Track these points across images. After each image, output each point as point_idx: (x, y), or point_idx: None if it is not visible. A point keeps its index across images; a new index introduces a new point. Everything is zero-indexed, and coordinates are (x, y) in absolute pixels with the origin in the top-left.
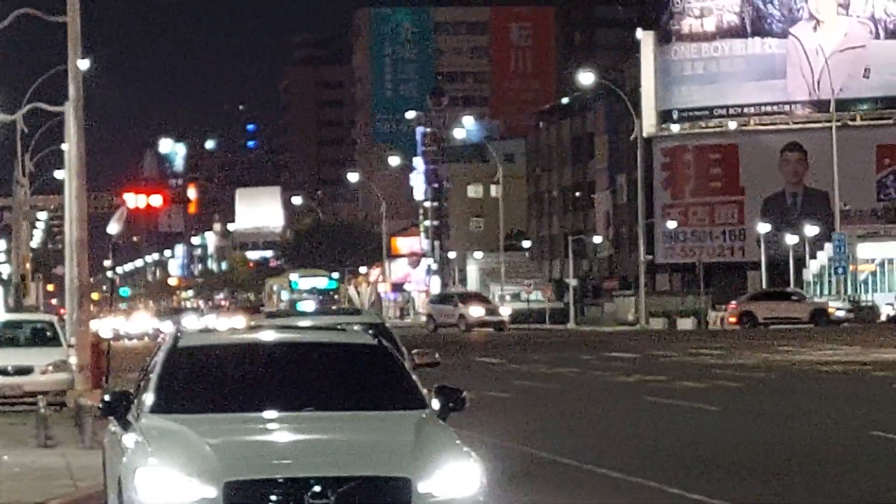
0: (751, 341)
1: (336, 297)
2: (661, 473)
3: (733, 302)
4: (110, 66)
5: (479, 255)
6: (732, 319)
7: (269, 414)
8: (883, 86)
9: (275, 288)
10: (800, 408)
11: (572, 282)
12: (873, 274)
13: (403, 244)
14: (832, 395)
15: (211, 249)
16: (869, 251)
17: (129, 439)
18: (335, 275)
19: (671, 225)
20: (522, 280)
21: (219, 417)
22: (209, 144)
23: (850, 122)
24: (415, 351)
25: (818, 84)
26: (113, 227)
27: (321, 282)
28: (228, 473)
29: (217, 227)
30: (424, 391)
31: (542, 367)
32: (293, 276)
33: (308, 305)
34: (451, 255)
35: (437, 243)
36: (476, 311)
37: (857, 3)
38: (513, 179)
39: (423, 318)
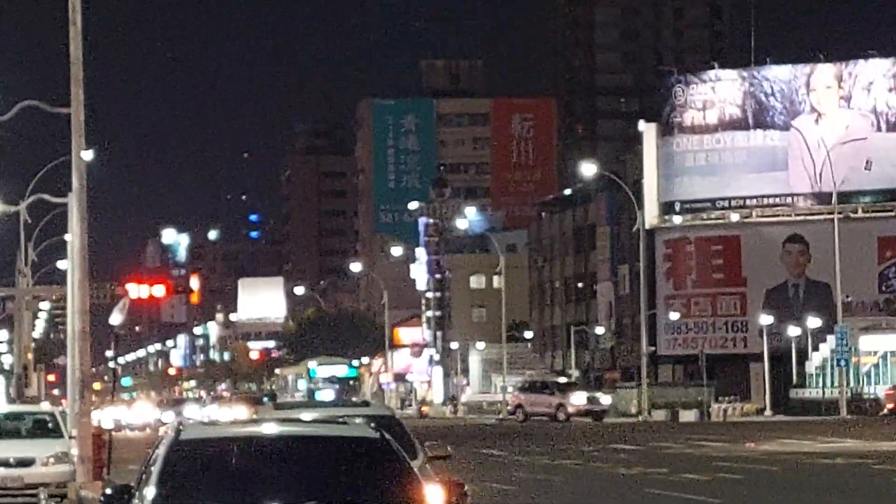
0: (752, 433)
1: (356, 385)
2: None
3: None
4: (114, 156)
5: (481, 345)
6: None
7: None
8: (884, 178)
9: (290, 377)
10: (801, 501)
11: (574, 373)
12: (875, 366)
13: (405, 334)
14: (833, 489)
15: (213, 340)
16: (871, 343)
17: None
18: (355, 362)
19: (673, 316)
20: (525, 371)
21: None
22: (212, 235)
23: (852, 214)
24: (427, 444)
25: (820, 176)
26: (115, 318)
27: (340, 370)
28: None
29: (219, 317)
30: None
31: (545, 459)
32: (311, 364)
33: (327, 394)
34: (454, 345)
35: (439, 333)
36: (578, 400)
37: (858, 96)
38: (515, 270)
39: (508, 409)
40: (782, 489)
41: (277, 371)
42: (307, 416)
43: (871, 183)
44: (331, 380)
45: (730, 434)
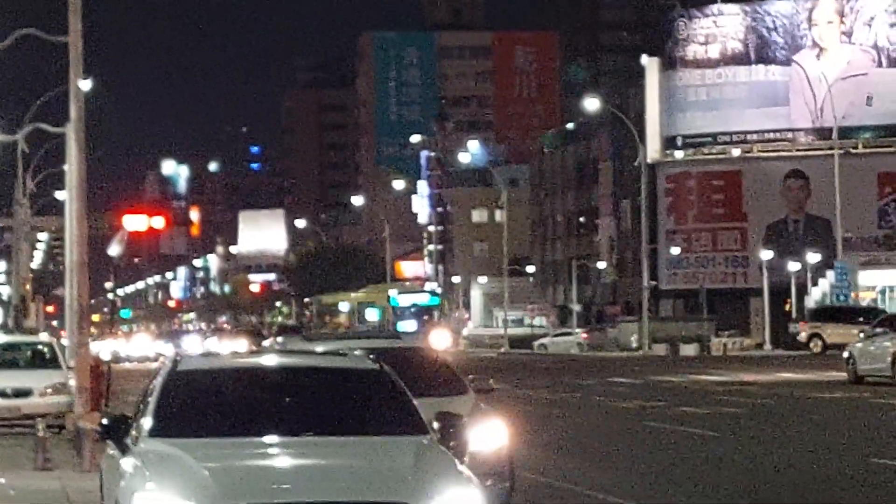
0: (753, 366)
1: (440, 315)
2: (658, 498)
3: None
4: (113, 86)
5: (482, 279)
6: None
7: (269, 439)
8: (885, 114)
9: (355, 307)
10: (801, 434)
11: (576, 307)
12: (874, 301)
13: (407, 268)
14: (833, 422)
15: (213, 272)
16: (870, 278)
17: (127, 463)
18: (438, 289)
19: (675, 251)
20: (526, 305)
21: (218, 442)
22: (212, 167)
23: (853, 150)
24: (470, 377)
25: (821, 111)
26: (114, 249)
27: (423, 297)
28: (226, 499)
29: (220, 249)
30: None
31: (545, 392)
32: (392, 293)
33: (410, 325)
34: (455, 279)
35: (440, 268)
36: None
37: (860, 31)
38: (517, 204)
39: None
40: (779, 422)
41: (315, 301)
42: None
43: (871, 118)
44: (411, 309)
45: (729, 368)
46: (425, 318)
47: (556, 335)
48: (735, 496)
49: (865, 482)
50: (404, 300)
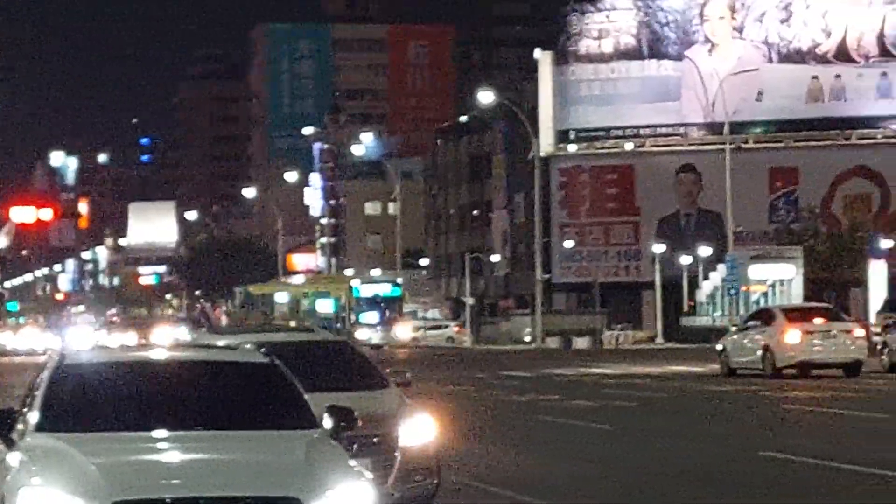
0: (645, 360)
1: (402, 306)
2: (550, 494)
3: None
4: (0, 75)
5: (376, 272)
6: None
7: (158, 433)
8: (776, 109)
9: (298, 297)
10: (691, 427)
11: (469, 300)
12: (765, 295)
13: (299, 261)
14: (724, 415)
15: (102, 264)
16: (761, 272)
17: (13, 458)
18: (399, 280)
19: (568, 244)
20: (419, 298)
21: (106, 436)
22: (102, 158)
23: (744, 145)
24: (387, 370)
25: (713, 106)
26: (1, 241)
27: (385, 288)
28: (115, 494)
29: (109, 241)
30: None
31: (437, 386)
32: (355, 283)
33: (372, 317)
34: (348, 272)
35: (333, 260)
36: None
37: (751, 27)
38: (410, 197)
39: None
40: (670, 415)
41: (241, 290)
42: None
43: (762, 114)
44: (374, 300)
45: (621, 361)
46: (386, 309)
47: (430, 328)
48: (627, 493)
49: (756, 475)
50: (366, 290)
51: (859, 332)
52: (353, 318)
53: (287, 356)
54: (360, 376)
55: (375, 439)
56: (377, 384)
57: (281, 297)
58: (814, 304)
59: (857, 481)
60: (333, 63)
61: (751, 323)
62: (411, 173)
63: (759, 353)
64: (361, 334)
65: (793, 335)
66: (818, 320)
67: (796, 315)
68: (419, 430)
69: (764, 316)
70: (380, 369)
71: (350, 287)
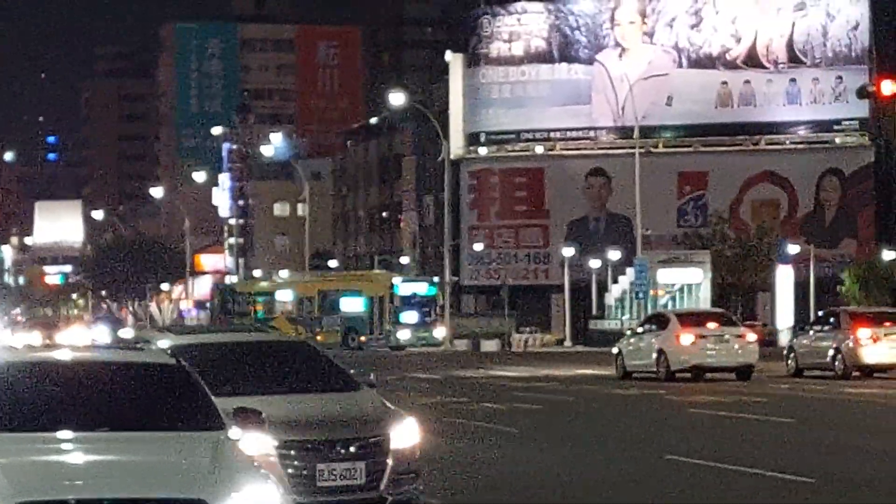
0: (552, 362)
1: (439, 306)
2: (452, 496)
3: None
4: None
5: (284, 273)
6: None
7: (63, 434)
8: (685, 114)
9: (313, 296)
10: (597, 430)
11: None
12: (673, 298)
13: (207, 261)
14: (629, 419)
15: (7, 263)
16: (669, 276)
17: None
18: (436, 279)
19: (477, 247)
20: None
21: (9, 437)
22: (7, 156)
23: (653, 149)
24: (351, 371)
25: (622, 110)
26: None
27: (422, 287)
28: (18, 495)
29: (14, 240)
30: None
31: None
32: (396, 280)
33: (411, 317)
34: (256, 273)
35: (241, 261)
36: None
37: (661, 32)
38: (319, 198)
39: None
40: (575, 418)
41: (223, 286)
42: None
43: (672, 118)
44: (412, 299)
45: (529, 364)
46: (425, 309)
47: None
48: (532, 495)
49: (661, 478)
50: (405, 289)
51: (751, 336)
52: (390, 318)
53: (247, 357)
54: (329, 377)
55: (372, 441)
56: (348, 386)
57: (284, 296)
58: (708, 308)
59: (760, 485)
60: (242, 62)
61: (646, 327)
62: (320, 174)
63: (654, 356)
64: (403, 335)
65: (686, 339)
66: (711, 325)
67: (690, 319)
68: (407, 433)
69: (658, 320)
70: (346, 370)
71: (391, 285)
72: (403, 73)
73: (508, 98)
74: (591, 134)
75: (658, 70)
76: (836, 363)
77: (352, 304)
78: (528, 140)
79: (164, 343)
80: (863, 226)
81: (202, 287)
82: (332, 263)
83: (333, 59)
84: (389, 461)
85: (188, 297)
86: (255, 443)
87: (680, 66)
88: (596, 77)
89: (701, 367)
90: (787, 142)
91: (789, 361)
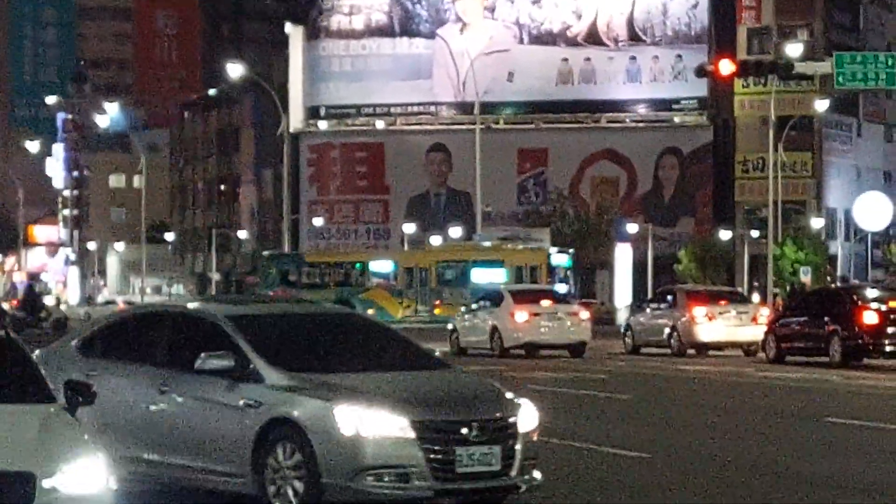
0: None
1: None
2: None
3: None
4: None
5: (120, 246)
6: None
7: None
8: (526, 90)
9: (434, 265)
10: None
11: (215, 276)
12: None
13: (41, 233)
14: None
15: None
16: None
17: None
18: (570, 250)
19: (317, 222)
20: (164, 273)
21: None
22: None
23: (494, 126)
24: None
25: (464, 86)
26: None
27: (563, 258)
28: None
29: None
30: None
31: None
32: (553, 250)
33: (562, 288)
34: (91, 245)
35: (76, 233)
36: None
37: (502, 7)
38: (157, 170)
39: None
40: None
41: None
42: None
43: (513, 95)
44: (559, 271)
45: None
46: (566, 282)
47: (103, 304)
48: None
49: None
50: (556, 259)
51: (584, 314)
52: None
53: (321, 330)
54: (415, 354)
55: (506, 423)
56: (437, 363)
57: (382, 265)
58: (541, 286)
59: (595, 460)
60: (78, 31)
61: (480, 304)
62: (158, 146)
63: (488, 333)
64: None
65: (520, 316)
66: (545, 302)
67: (524, 297)
68: (529, 415)
69: (493, 297)
70: (421, 345)
71: (548, 254)
72: (243, 44)
73: (349, 72)
74: (432, 109)
75: (499, 46)
76: (672, 341)
77: (492, 275)
78: (368, 114)
79: (226, 312)
80: (700, 205)
81: (36, 259)
82: (169, 236)
83: (172, 29)
84: (518, 445)
85: (21, 268)
86: (385, 422)
87: (521, 42)
88: (437, 52)
89: (534, 344)
90: (627, 120)
91: (626, 339)
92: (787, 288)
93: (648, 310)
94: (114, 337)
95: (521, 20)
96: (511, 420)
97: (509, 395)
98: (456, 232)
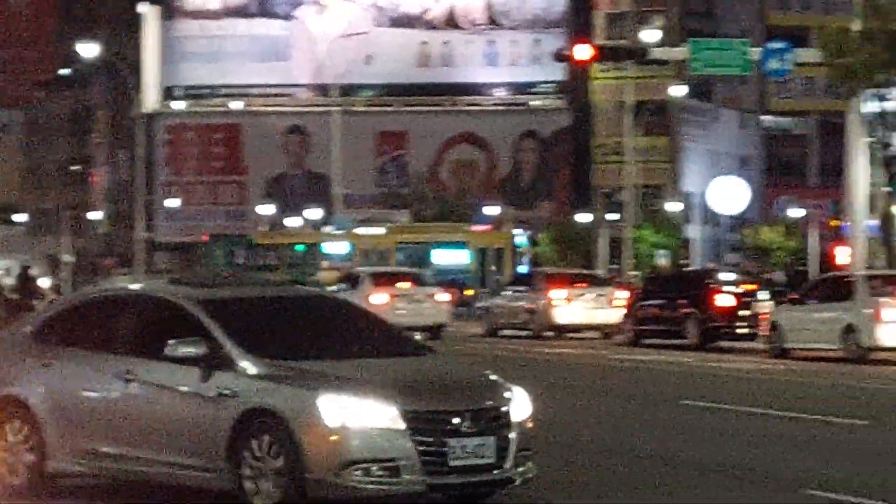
0: None
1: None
2: None
3: None
4: None
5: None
6: None
7: None
8: (385, 73)
9: (396, 251)
10: None
11: (68, 258)
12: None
13: None
14: None
15: None
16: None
17: None
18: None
19: (173, 203)
20: (13, 254)
21: None
22: None
23: (353, 108)
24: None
25: (322, 68)
26: None
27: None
28: None
29: None
30: None
31: None
32: (516, 231)
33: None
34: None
35: None
36: None
37: None
38: (8, 150)
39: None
40: None
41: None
42: None
43: (372, 77)
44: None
45: None
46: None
47: None
48: None
49: None
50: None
51: (442, 296)
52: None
53: (298, 314)
54: (398, 339)
55: (500, 413)
56: (421, 348)
57: (333, 248)
58: (400, 268)
59: None
60: None
61: (338, 286)
62: (8, 126)
63: None
64: None
65: (378, 299)
66: (403, 284)
67: (382, 279)
68: (522, 404)
69: (351, 279)
70: (403, 330)
71: (512, 235)
72: (97, 23)
73: (206, 52)
74: (290, 91)
75: (357, 28)
76: (531, 323)
77: (450, 257)
78: (225, 95)
79: (195, 295)
80: (559, 188)
81: None
82: (20, 217)
83: (24, 6)
84: (513, 435)
85: None
86: (373, 412)
87: (380, 24)
88: (295, 33)
89: None
90: (486, 103)
91: (485, 321)
92: (646, 271)
93: (507, 292)
94: (72, 322)
95: (379, 3)
96: (504, 409)
97: (501, 381)
98: (314, 214)
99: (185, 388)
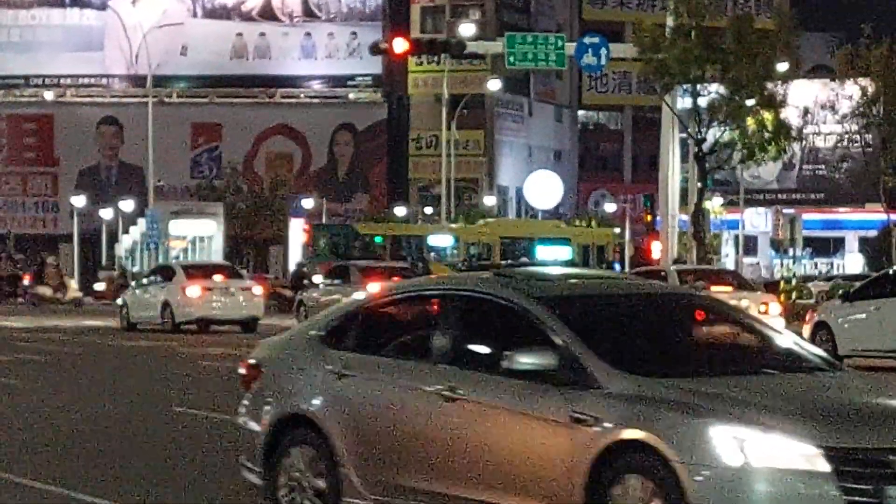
0: (61, 314)
1: None
2: None
3: None
4: None
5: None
6: None
7: None
8: (200, 64)
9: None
10: (106, 383)
11: None
12: (185, 250)
13: None
14: (139, 371)
15: None
16: (181, 228)
17: None
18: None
19: None
20: None
21: None
22: None
23: (167, 99)
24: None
25: (136, 59)
26: None
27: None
28: None
29: None
30: None
31: None
32: (615, 231)
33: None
34: None
35: None
36: None
37: None
38: None
39: None
40: (84, 370)
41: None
42: None
43: (187, 68)
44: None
45: (37, 315)
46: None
47: None
48: (25, 448)
49: (171, 430)
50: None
51: (257, 290)
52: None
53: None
54: (795, 352)
55: None
56: (825, 362)
57: (440, 240)
58: (214, 261)
59: None
60: None
61: (151, 278)
62: None
63: (160, 308)
64: None
65: (192, 291)
66: (217, 277)
67: (196, 272)
68: None
69: (164, 272)
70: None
71: (615, 233)
72: None
73: (17, 42)
74: (104, 81)
75: (173, 19)
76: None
77: (552, 253)
78: (37, 85)
79: (536, 291)
80: (375, 181)
81: None
82: None
83: None
84: None
85: None
86: (785, 449)
87: (195, 15)
88: (109, 24)
89: (207, 319)
90: (302, 96)
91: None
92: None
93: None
94: (372, 324)
95: None
96: None
97: None
98: (128, 205)
99: (528, 411)
